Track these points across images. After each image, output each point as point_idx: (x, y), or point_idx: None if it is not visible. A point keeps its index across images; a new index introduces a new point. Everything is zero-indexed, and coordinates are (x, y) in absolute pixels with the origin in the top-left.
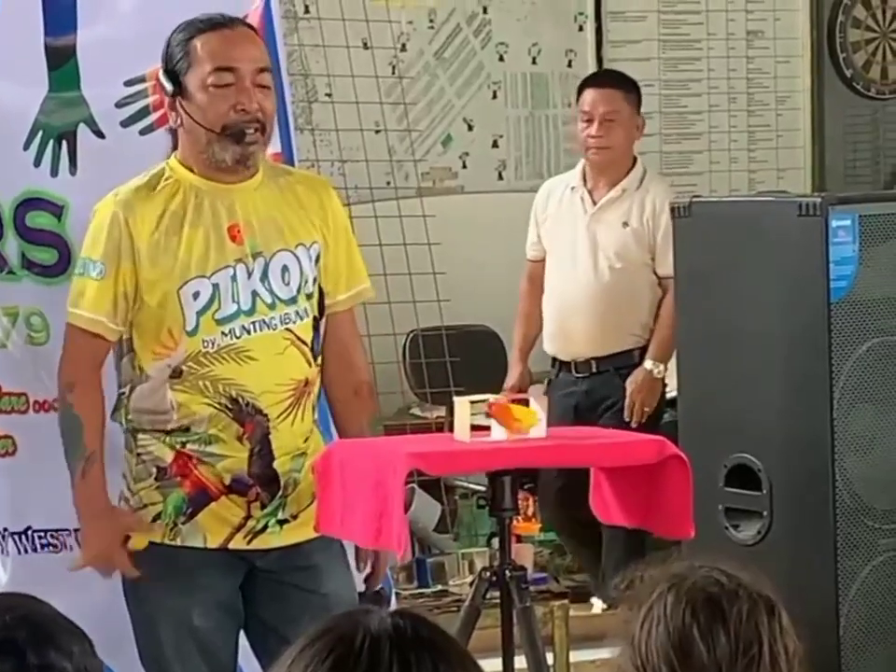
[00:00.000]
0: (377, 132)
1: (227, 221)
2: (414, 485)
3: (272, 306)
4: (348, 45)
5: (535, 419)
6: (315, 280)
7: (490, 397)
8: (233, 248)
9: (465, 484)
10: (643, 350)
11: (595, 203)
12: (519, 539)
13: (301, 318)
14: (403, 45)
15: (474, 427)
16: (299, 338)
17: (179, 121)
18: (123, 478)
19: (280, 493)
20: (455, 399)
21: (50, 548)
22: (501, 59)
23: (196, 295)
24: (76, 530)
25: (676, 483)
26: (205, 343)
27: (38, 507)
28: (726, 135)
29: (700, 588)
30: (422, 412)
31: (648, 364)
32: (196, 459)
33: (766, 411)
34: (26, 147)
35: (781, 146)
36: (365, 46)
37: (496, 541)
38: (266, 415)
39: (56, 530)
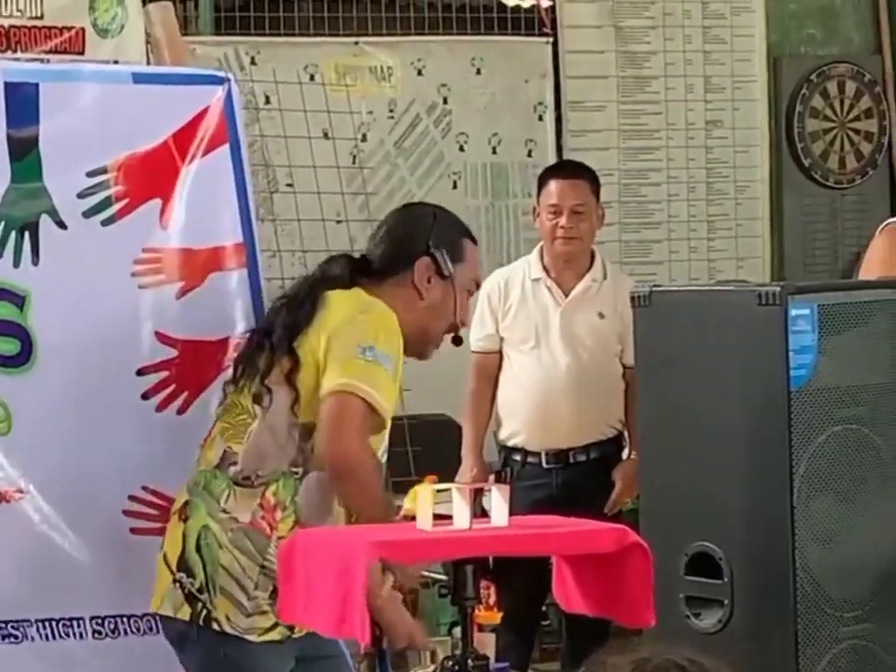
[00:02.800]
0: (338, 222)
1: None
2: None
3: None
4: (309, 135)
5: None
6: None
7: (452, 485)
8: None
9: (427, 573)
10: (617, 439)
11: (566, 294)
12: (481, 628)
13: None
14: (364, 135)
15: (437, 516)
16: None
17: (423, 295)
18: (225, 573)
19: None
20: (418, 487)
21: (11, 639)
22: (461, 149)
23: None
24: (39, 620)
25: (637, 571)
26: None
27: None
28: (685, 224)
29: (664, 670)
30: None
31: (634, 455)
32: None
33: (727, 499)
34: None
35: (740, 235)
36: (326, 136)
37: (457, 630)
38: None
39: (17, 621)
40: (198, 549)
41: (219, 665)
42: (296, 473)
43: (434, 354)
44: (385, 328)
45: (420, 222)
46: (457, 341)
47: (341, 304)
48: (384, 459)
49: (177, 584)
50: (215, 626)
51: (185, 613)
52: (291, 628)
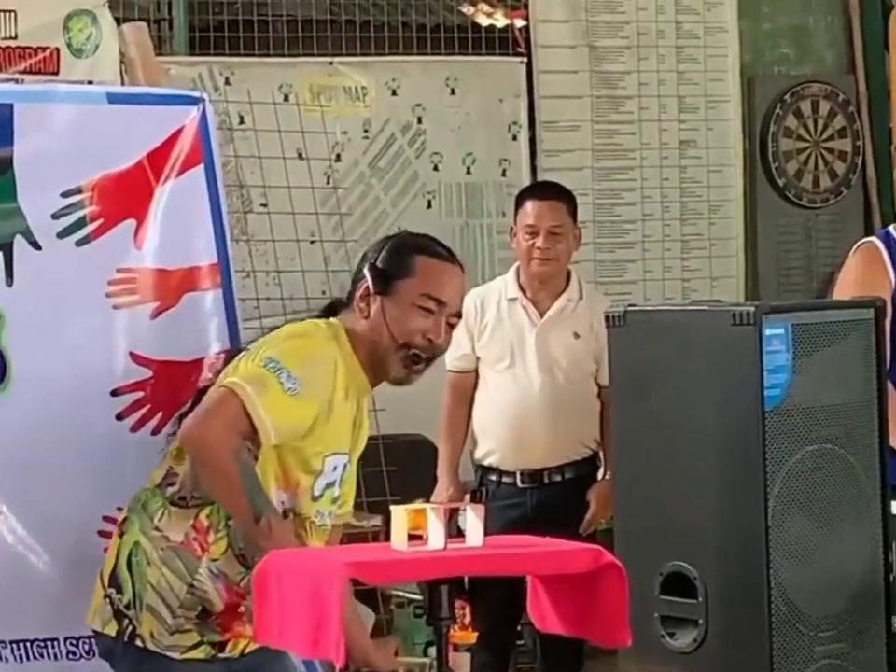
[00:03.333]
0: (312, 242)
1: (355, 412)
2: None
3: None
4: (283, 155)
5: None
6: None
7: (427, 505)
8: (349, 440)
9: (401, 593)
10: (592, 459)
11: (542, 314)
12: (456, 648)
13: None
14: (338, 155)
15: (411, 536)
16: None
17: (367, 314)
18: (153, 590)
19: None
20: (392, 507)
21: None
22: (436, 168)
23: (334, 469)
24: (13, 642)
25: (612, 591)
26: (318, 515)
27: None
28: (660, 244)
29: None
30: (358, 521)
31: (609, 475)
32: (242, 622)
33: (701, 519)
34: None
35: (714, 254)
36: (300, 156)
37: (433, 650)
38: None
39: None
40: (128, 565)
41: None
42: None
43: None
44: (306, 353)
45: (376, 246)
46: (413, 360)
47: (287, 329)
48: (344, 489)
49: (107, 599)
50: (139, 643)
51: (112, 629)
52: (220, 647)
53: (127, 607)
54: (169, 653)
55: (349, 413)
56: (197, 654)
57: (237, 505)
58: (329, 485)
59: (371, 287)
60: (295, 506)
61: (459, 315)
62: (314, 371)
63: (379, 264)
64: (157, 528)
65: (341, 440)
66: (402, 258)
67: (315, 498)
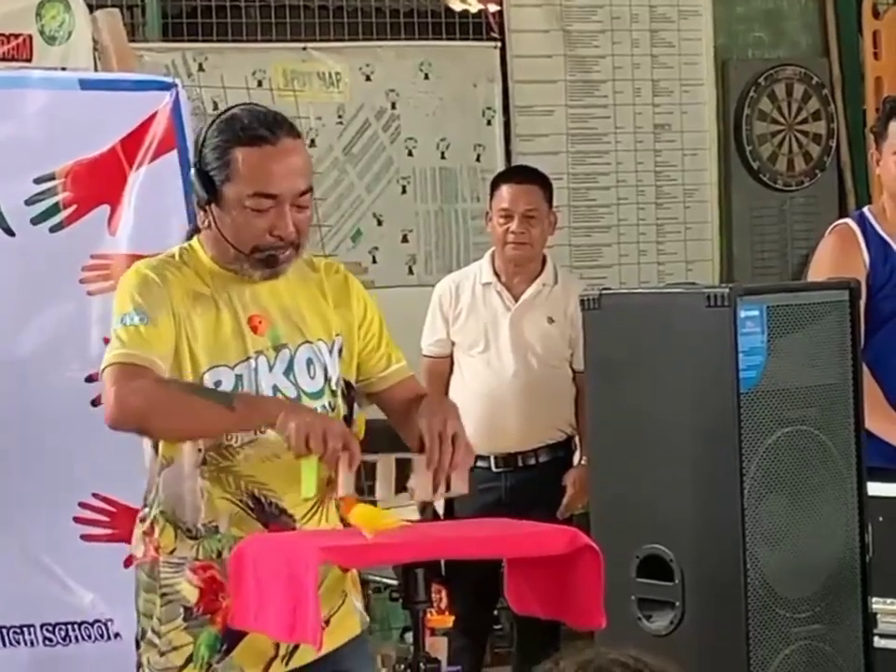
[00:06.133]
0: None
1: (249, 311)
2: None
3: (296, 400)
4: None
5: (384, 520)
6: (338, 378)
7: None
8: (254, 339)
9: (377, 578)
10: (566, 443)
11: (516, 299)
12: (433, 632)
13: (328, 412)
14: (312, 140)
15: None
16: None
17: (207, 224)
18: (146, 618)
19: None
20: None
21: None
22: (410, 154)
23: (218, 384)
24: None
25: (588, 573)
26: (228, 436)
27: None
28: (635, 228)
29: (605, 669)
30: None
31: (585, 460)
32: (224, 590)
33: (677, 501)
34: None
35: (689, 238)
36: None
37: (409, 635)
38: (291, 515)
39: None
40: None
41: None
42: (156, 486)
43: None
44: (122, 292)
45: (203, 133)
46: (269, 262)
47: None
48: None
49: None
50: None
51: None
52: (227, 649)
53: (138, 646)
54: None
55: (221, 317)
56: None
57: (204, 414)
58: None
59: (199, 196)
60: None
61: (305, 192)
62: (124, 296)
63: (202, 165)
64: (134, 555)
65: (215, 351)
66: (221, 155)
67: None
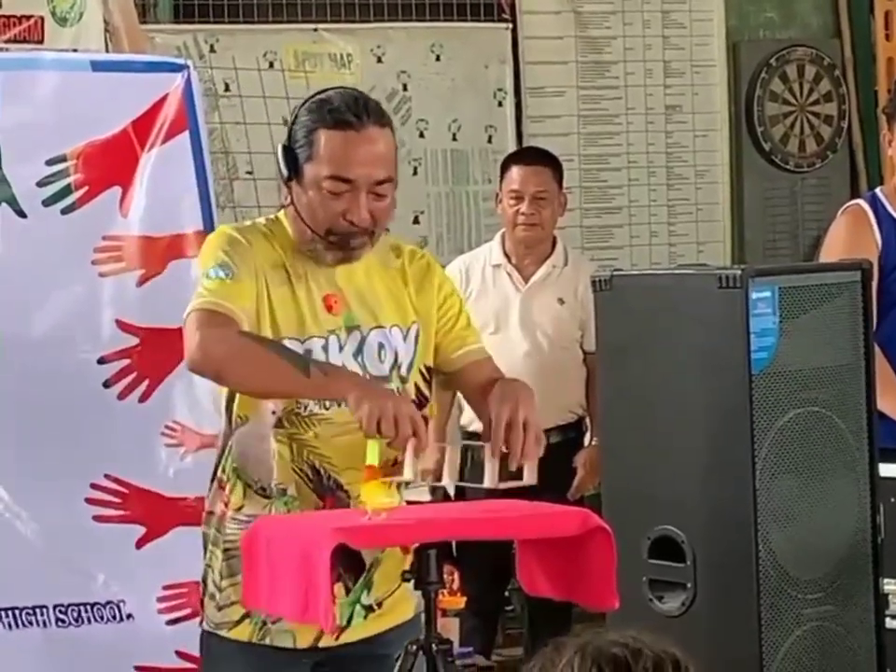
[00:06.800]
0: None
1: (324, 289)
2: None
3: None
4: (269, 122)
5: (385, 499)
6: (411, 364)
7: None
8: (327, 318)
9: None
10: (577, 424)
11: (526, 281)
12: (444, 613)
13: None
14: None
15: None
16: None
17: (289, 201)
18: (208, 569)
19: (364, 574)
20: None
21: None
22: (422, 135)
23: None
24: (1, 609)
25: (600, 554)
26: (298, 405)
27: None
28: (646, 209)
29: (604, 649)
30: None
31: (596, 441)
32: None
33: (689, 483)
34: None
35: (701, 219)
36: (286, 123)
37: (421, 617)
38: (347, 492)
39: None
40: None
41: (205, 666)
42: (229, 442)
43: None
44: (211, 247)
45: (295, 112)
46: (342, 245)
47: None
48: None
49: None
50: (203, 626)
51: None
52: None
53: (202, 604)
54: (219, 631)
55: (296, 292)
56: (241, 631)
57: (280, 373)
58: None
59: (282, 172)
60: (280, 409)
61: (384, 182)
62: (211, 251)
63: (289, 143)
64: (208, 511)
65: (286, 325)
66: (306, 134)
67: None
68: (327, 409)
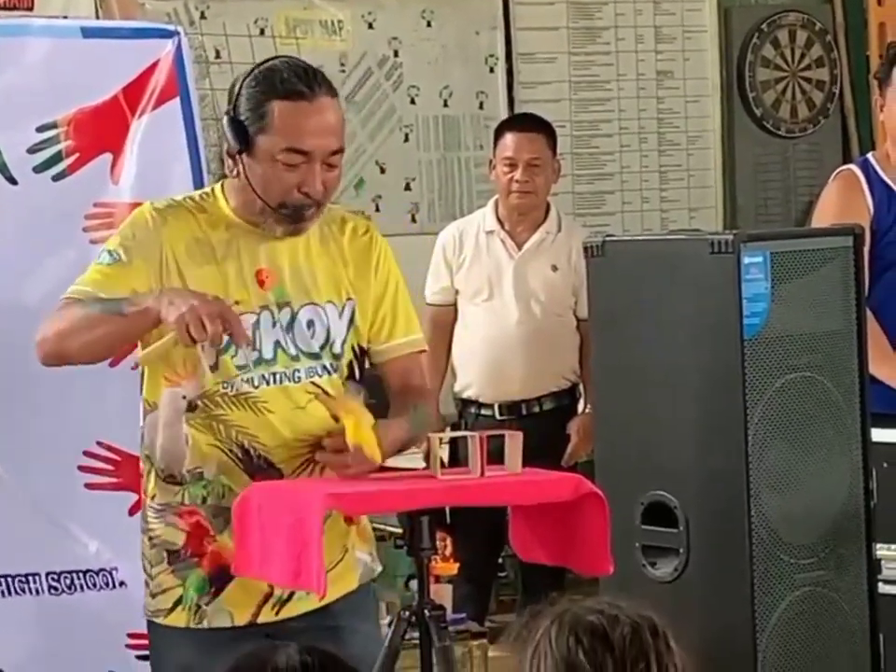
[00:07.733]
0: None
1: (256, 264)
2: None
3: (295, 358)
4: None
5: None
6: (344, 341)
7: (466, 434)
8: (259, 294)
9: (382, 526)
10: (571, 391)
11: (519, 247)
12: (437, 580)
13: (329, 373)
14: None
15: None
16: (326, 392)
17: (236, 173)
18: (143, 558)
19: None
20: (430, 435)
21: None
22: (413, 102)
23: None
24: None
25: (593, 520)
26: (225, 385)
27: None
28: (638, 175)
29: (581, 617)
30: None
31: (589, 409)
32: (210, 535)
33: (681, 448)
34: None
35: (693, 185)
36: None
37: (414, 582)
38: (279, 469)
39: None
40: None
41: (151, 655)
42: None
43: (313, 215)
44: (121, 230)
45: (239, 82)
46: (294, 218)
47: None
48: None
49: None
50: (145, 614)
51: None
52: (214, 593)
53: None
54: (156, 619)
55: (225, 268)
56: (177, 618)
57: (102, 325)
58: (226, 349)
59: (230, 144)
60: (193, 394)
61: (336, 152)
62: (125, 233)
63: (235, 114)
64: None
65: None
66: (257, 104)
67: (211, 368)
68: (255, 388)
